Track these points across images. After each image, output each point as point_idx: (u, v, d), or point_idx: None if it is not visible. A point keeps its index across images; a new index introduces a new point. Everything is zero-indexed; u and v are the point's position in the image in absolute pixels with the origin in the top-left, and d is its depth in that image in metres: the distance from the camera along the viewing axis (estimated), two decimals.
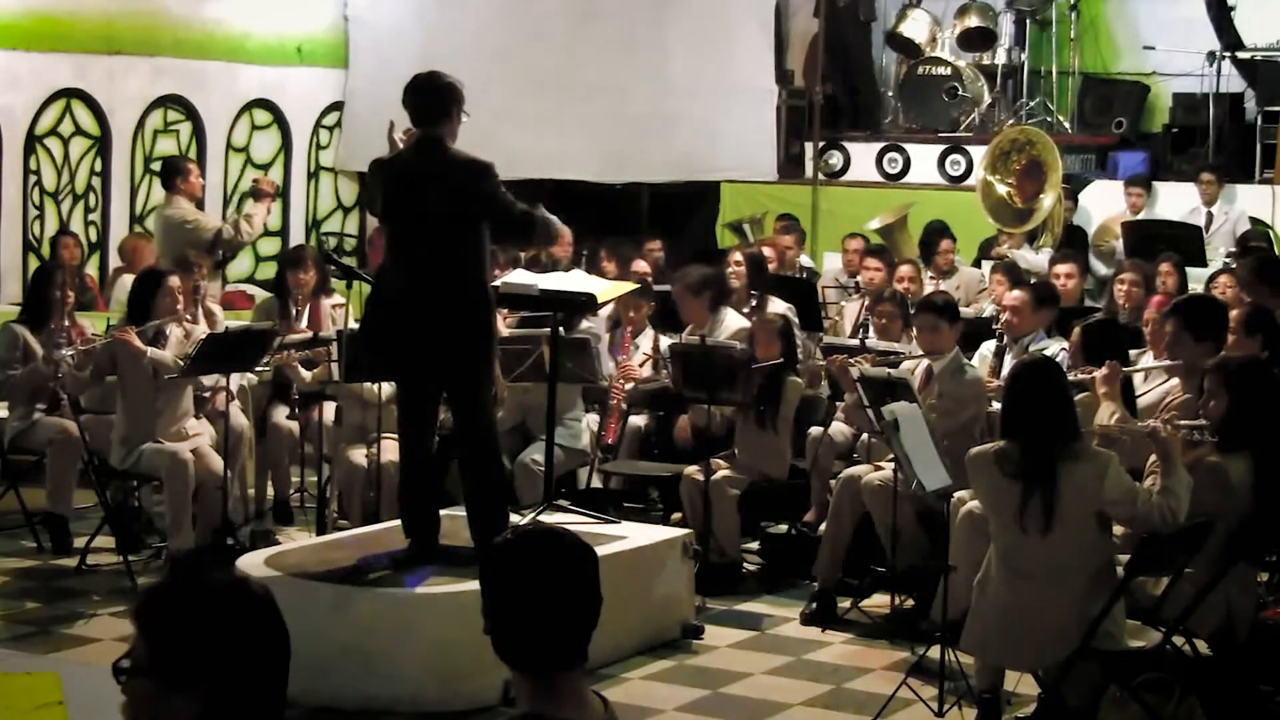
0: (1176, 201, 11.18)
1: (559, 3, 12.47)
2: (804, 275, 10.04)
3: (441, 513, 6.17)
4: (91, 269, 10.77)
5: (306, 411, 7.86)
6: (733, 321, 7.93)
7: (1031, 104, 12.61)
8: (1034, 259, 10.09)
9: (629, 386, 7.96)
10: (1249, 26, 12.00)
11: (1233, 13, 12.01)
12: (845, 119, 13.14)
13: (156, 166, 11.27)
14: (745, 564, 7.25)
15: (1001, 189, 10.88)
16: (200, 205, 9.42)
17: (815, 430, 7.40)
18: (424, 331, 5.73)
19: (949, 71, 12.70)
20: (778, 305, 8.30)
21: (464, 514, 6.00)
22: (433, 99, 5.79)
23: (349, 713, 5.41)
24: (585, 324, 7.74)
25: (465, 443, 5.94)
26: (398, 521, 6.21)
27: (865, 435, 7.07)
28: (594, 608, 2.38)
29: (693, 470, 7.11)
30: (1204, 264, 9.79)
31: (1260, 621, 5.24)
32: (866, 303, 8.78)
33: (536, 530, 2.46)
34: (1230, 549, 5.04)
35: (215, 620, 2.09)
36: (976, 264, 10.53)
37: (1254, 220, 10.91)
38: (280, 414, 7.99)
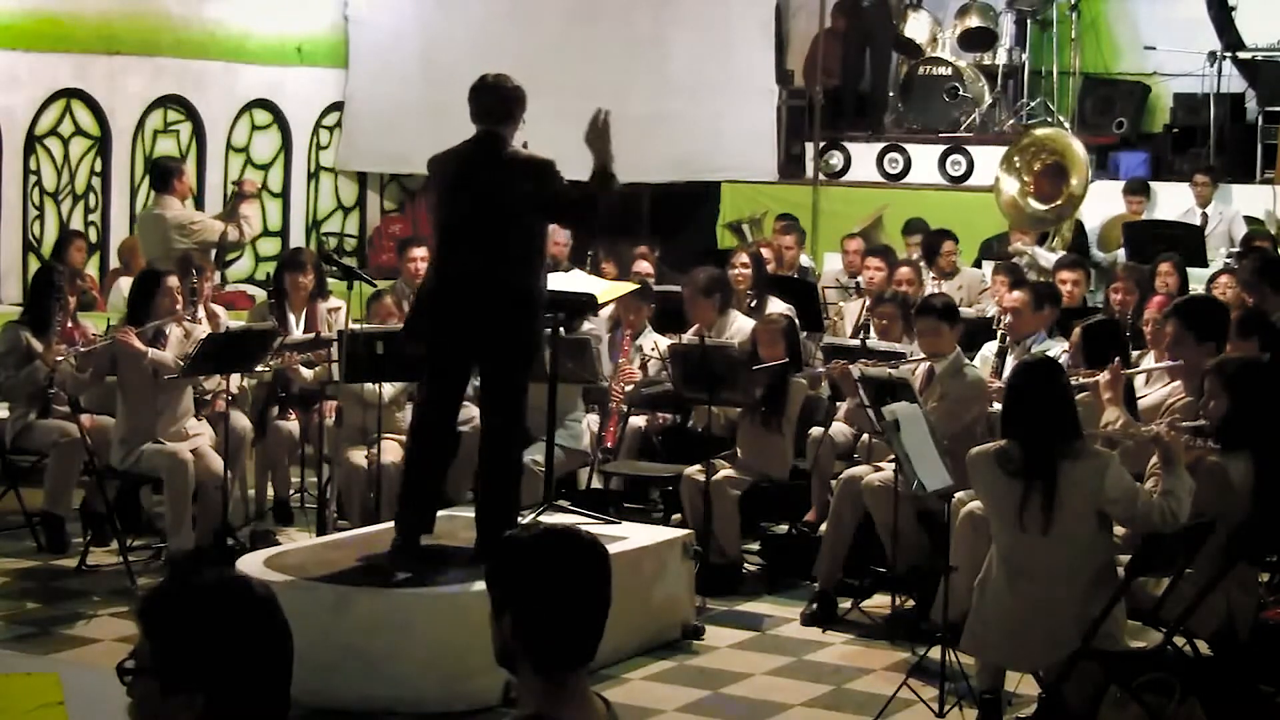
0: (1174, 202, 11.19)
1: (559, 3, 12.47)
2: (797, 275, 10.01)
3: (440, 513, 6.17)
4: (91, 269, 10.76)
5: (307, 412, 7.86)
6: (743, 324, 7.93)
7: (1032, 104, 12.61)
8: (1050, 257, 10.06)
9: (628, 388, 7.95)
10: (1250, 26, 12.01)
11: (1233, 13, 12.01)
12: (846, 119, 13.12)
13: None
14: (746, 564, 7.25)
15: (1016, 185, 10.85)
16: (199, 205, 9.41)
17: (816, 431, 7.39)
18: (467, 317, 5.75)
19: (950, 72, 12.70)
20: (777, 305, 8.30)
21: (463, 514, 5.99)
22: (499, 99, 5.89)
23: (350, 713, 5.40)
24: (586, 325, 7.74)
25: (493, 430, 5.94)
26: None
27: (866, 436, 7.07)
28: (605, 607, 2.37)
29: (693, 471, 7.11)
30: (1204, 264, 9.79)
31: (1261, 622, 5.23)
32: (867, 303, 8.77)
33: (550, 528, 2.44)
34: (1231, 549, 5.04)
35: (218, 621, 2.10)
36: (977, 265, 10.54)
37: (1249, 220, 10.91)
38: (280, 415, 7.97)
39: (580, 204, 5.86)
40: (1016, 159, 10.86)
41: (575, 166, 5.96)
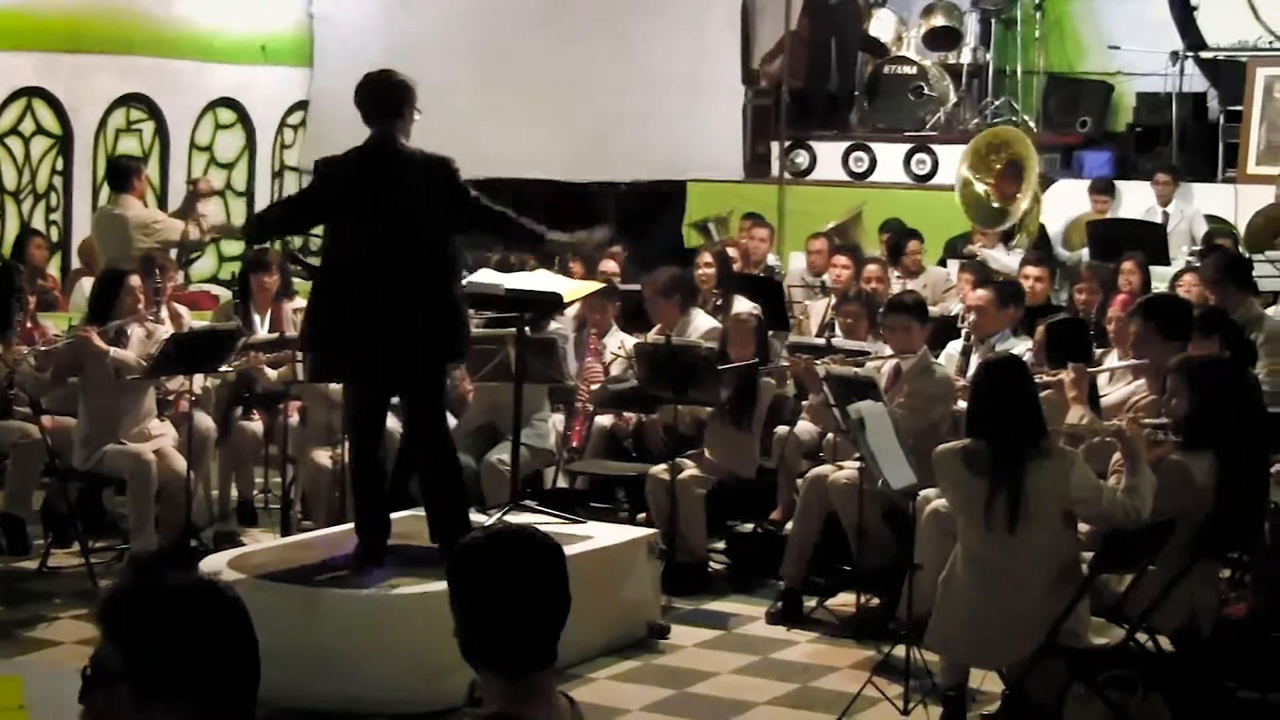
0: (1137, 201, 11.26)
1: (526, 1, 12.45)
2: (763, 274, 10.02)
3: (406, 514, 6.15)
4: (53, 269, 10.67)
5: (271, 412, 7.82)
6: (702, 322, 7.93)
7: (997, 103, 12.65)
8: (1005, 260, 10.09)
9: (594, 388, 7.94)
10: (1211, 27, 12.09)
11: (1195, 13, 12.09)
12: (814, 118, 13.13)
13: None
14: (712, 563, 7.25)
15: (980, 188, 10.90)
16: (162, 205, 9.33)
17: (782, 429, 7.40)
18: (384, 332, 5.65)
19: (915, 71, 12.73)
20: (743, 304, 8.30)
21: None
22: (386, 96, 5.73)
23: (320, 714, 5.37)
24: (553, 324, 7.72)
25: (423, 445, 5.90)
26: None
27: (831, 434, 7.08)
28: (564, 607, 2.37)
29: (659, 469, 7.11)
30: (1167, 262, 9.84)
31: (1223, 618, 5.27)
32: (832, 302, 8.79)
33: (505, 530, 2.45)
34: (1193, 546, 5.07)
35: (195, 625, 2.04)
36: (942, 263, 10.57)
37: (1210, 219, 10.98)
38: (244, 415, 7.93)
39: (497, 216, 5.85)
40: (975, 163, 10.91)
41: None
